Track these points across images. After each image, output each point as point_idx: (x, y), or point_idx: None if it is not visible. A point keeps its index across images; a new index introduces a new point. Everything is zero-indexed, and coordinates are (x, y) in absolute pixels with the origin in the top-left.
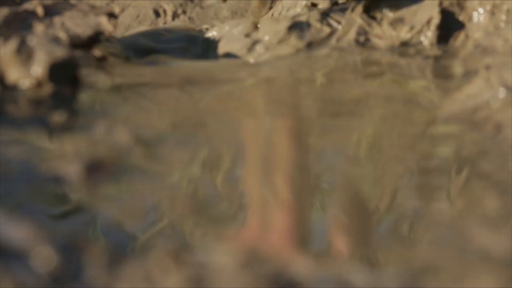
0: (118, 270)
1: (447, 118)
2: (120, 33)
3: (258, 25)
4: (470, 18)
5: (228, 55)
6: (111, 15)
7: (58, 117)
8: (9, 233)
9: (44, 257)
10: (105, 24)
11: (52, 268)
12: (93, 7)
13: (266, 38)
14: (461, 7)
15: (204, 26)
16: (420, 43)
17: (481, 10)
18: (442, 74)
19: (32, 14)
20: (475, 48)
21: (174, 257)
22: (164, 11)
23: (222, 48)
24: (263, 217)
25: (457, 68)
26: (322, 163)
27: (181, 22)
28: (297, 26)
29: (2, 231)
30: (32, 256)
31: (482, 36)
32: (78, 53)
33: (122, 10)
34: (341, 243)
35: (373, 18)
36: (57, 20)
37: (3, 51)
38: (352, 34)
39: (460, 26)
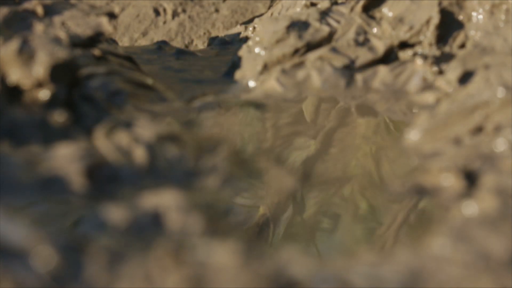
0: (118, 270)
1: None
2: (120, 32)
3: (257, 25)
4: (469, 18)
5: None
6: (111, 15)
7: (58, 117)
8: (9, 233)
9: (44, 257)
10: (106, 25)
11: (52, 267)
12: (93, 7)
13: (265, 37)
14: (460, 7)
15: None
16: (419, 42)
17: (480, 10)
18: None
19: (32, 13)
20: (474, 48)
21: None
22: (164, 10)
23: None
24: None
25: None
26: None
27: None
28: (296, 26)
29: (2, 231)
30: (32, 255)
31: (481, 35)
32: (78, 53)
33: (122, 9)
34: None
35: (372, 17)
36: (57, 19)
37: (3, 52)
38: (351, 34)
39: (460, 26)
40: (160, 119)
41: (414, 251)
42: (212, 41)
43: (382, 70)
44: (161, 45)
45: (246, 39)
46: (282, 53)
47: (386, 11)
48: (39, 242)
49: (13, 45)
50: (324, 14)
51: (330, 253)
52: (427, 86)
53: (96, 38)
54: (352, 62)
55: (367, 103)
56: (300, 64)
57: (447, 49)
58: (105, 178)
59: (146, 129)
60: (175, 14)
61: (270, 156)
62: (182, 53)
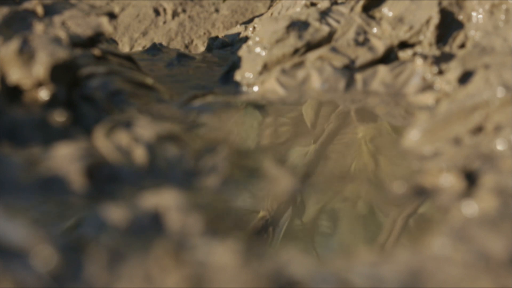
0: (118, 270)
1: None
2: (120, 32)
3: (257, 25)
4: (469, 18)
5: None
6: (111, 15)
7: (58, 117)
8: (9, 233)
9: (44, 257)
10: (106, 25)
11: (52, 267)
12: (93, 7)
13: (265, 37)
14: (460, 7)
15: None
16: (419, 42)
17: (480, 10)
18: None
19: (32, 13)
20: (474, 48)
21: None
22: (164, 10)
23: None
24: None
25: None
26: None
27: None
28: (296, 25)
29: (2, 231)
30: (32, 255)
31: (481, 35)
32: (78, 53)
33: (122, 9)
34: None
35: (372, 17)
36: (57, 19)
37: (3, 52)
38: (351, 34)
39: (459, 26)
40: (160, 119)
41: (414, 251)
42: (212, 41)
43: (382, 70)
44: (159, 47)
45: (246, 39)
46: (282, 53)
47: (386, 11)
48: (39, 242)
49: (13, 45)
50: (324, 14)
51: (330, 253)
52: (427, 86)
53: (96, 38)
54: (352, 62)
55: (367, 107)
56: (300, 64)
57: (447, 49)
58: (105, 178)
59: (146, 129)
60: (175, 14)
61: (270, 156)
62: (181, 55)
